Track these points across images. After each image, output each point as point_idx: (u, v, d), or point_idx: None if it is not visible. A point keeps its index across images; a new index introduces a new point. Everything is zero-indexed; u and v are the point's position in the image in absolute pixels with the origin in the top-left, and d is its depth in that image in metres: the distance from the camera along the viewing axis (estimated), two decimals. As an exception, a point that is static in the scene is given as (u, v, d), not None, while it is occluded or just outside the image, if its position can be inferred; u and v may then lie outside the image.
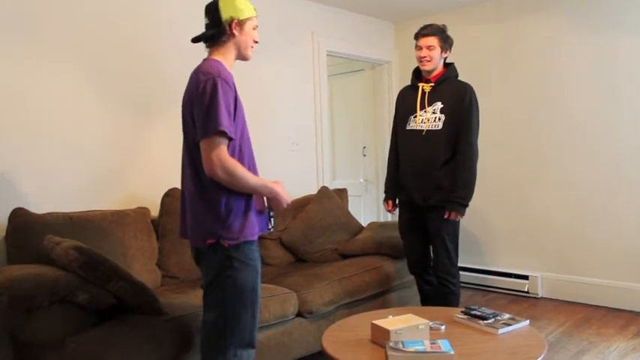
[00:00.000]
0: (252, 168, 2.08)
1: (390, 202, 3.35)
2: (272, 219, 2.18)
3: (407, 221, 3.27)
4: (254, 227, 2.04)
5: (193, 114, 1.95)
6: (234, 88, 1.99)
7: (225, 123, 1.88)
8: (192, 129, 1.98)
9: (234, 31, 2.05)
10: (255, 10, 2.12)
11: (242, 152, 2.02)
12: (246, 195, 2.01)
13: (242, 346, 2.03)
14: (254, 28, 2.12)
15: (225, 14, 2.04)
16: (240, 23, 2.06)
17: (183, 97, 2.07)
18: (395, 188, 3.31)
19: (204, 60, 2.07)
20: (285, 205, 2.11)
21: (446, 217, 3.03)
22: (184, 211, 2.11)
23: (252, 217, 2.04)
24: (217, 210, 1.96)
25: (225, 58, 2.08)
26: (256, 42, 2.15)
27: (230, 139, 1.92)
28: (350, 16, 4.78)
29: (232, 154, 1.95)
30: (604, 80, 4.02)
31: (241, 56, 2.13)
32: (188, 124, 2.01)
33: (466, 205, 3.04)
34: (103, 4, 3.16)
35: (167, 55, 3.42)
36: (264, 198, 2.11)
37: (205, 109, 1.89)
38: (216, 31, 2.05)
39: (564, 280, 4.24)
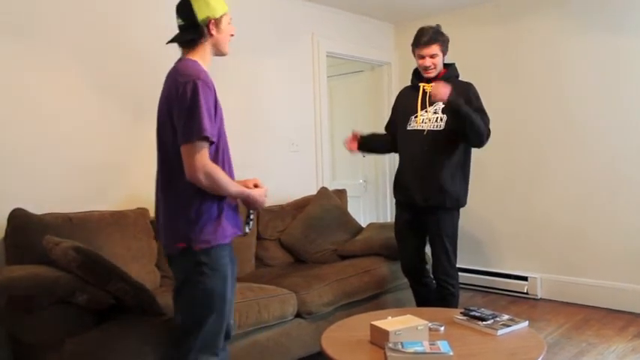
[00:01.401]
0: (227, 167, 2.04)
1: (357, 135, 3.27)
2: (251, 222, 2.18)
3: (405, 222, 3.23)
4: (225, 231, 2.00)
5: (172, 117, 1.92)
6: (214, 89, 1.95)
7: (208, 127, 1.87)
8: (170, 132, 1.94)
9: (212, 32, 2.00)
10: (226, 3, 2.05)
11: (218, 153, 1.99)
12: (218, 199, 1.98)
13: (204, 352, 2.00)
14: (229, 23, 2.06)
15: (200, 15, 1.97)
16: (217, 22, 2.00)
17: (160, 99, 2.02)
18: (372, 140, 3.32)
19: (180, 61, 2.02)
20: (260, 206, 2.13)
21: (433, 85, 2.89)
22: (159, 214, 2.09)
23: (224, 221, 2.00)
24: (188, 213, 1.93)
25: (203, 58, 2.03)
26: (232, 35, 2.08)
27: (212, 142, 1.91)
28: (350, 17, 4.79)
29: (210, 156, 1.92)
30: (604, 81, 4.02)
31: (218, 53, 2.09)
32: (165, 127, 1.97)
33: (459, 110, 2.85)
34: (104, 4, 3.16)
35: (167, 56, 3.41)
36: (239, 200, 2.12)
37: (186, 113, 1.86)
38: (194, 33, 1.99)
39: (563, 282, 4.24)
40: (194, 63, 1.98)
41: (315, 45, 4.47)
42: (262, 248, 3.67)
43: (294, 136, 4.33)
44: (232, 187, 1.98)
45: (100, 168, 3.14)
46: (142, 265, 2.94)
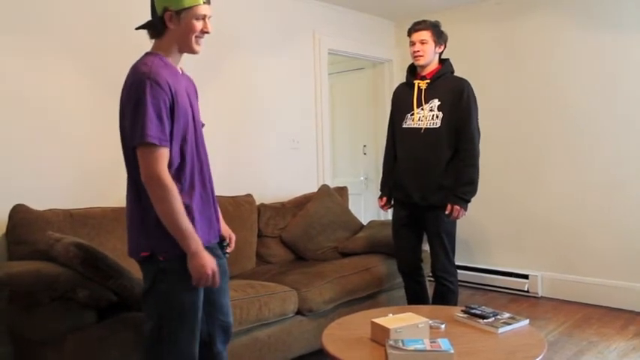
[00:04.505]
0: (197, 177, 1.88)
1: (385, 199, 3.30)
2: (226, 254, 1.96)
3: (402, 218, 3.20)
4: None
5: (123, 116, 1.80)
6: (169, 87, 1.77)
7: (153, 132, 1.69)
8: (122, 133, 1.83)
9: (169, 24, 1.83)
10: None
11: (185, 161, 1.82)
12: (187, 202, 1.79)
13: None
14: (198, 19, 1.84)
15: (158, 5, 1.83)
16: (176, 14, 1.82)
17: (121, 94, 1.87)
18: (391, 186, 3.27)
19: (145, 54, 1.88)
20: (205, 277, 1.78)
21: (447, 212, 2.97)
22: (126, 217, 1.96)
23: (195, 225, 1.80)
24: (151, 218, 1.76)
25: (167, 51, 1.88)
26: (206, 32, 1.88)
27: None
28: (351, 14, 4.78)
29: (173, 165, 1.78)
30: (604, 80, 4.01)
31: (184, 50, 1.90)
32: (121, 127, 1.85)
33: (469, 201, 3.00)
34: (104, 3, 3.15)
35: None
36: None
37: (131, 114, 1.73)
38: (153, 22, 1.86)
39: (564, 280, 4.24)
40: (154, 58, 1.82)
41: (317, 42, 4.46)
42: (263, 245, 3.67)
43: (295, 134, 4.33)
44: (183, 216, 1.73)
45: (101, 164, 3.13)
46: (142, 261, 2.93)
